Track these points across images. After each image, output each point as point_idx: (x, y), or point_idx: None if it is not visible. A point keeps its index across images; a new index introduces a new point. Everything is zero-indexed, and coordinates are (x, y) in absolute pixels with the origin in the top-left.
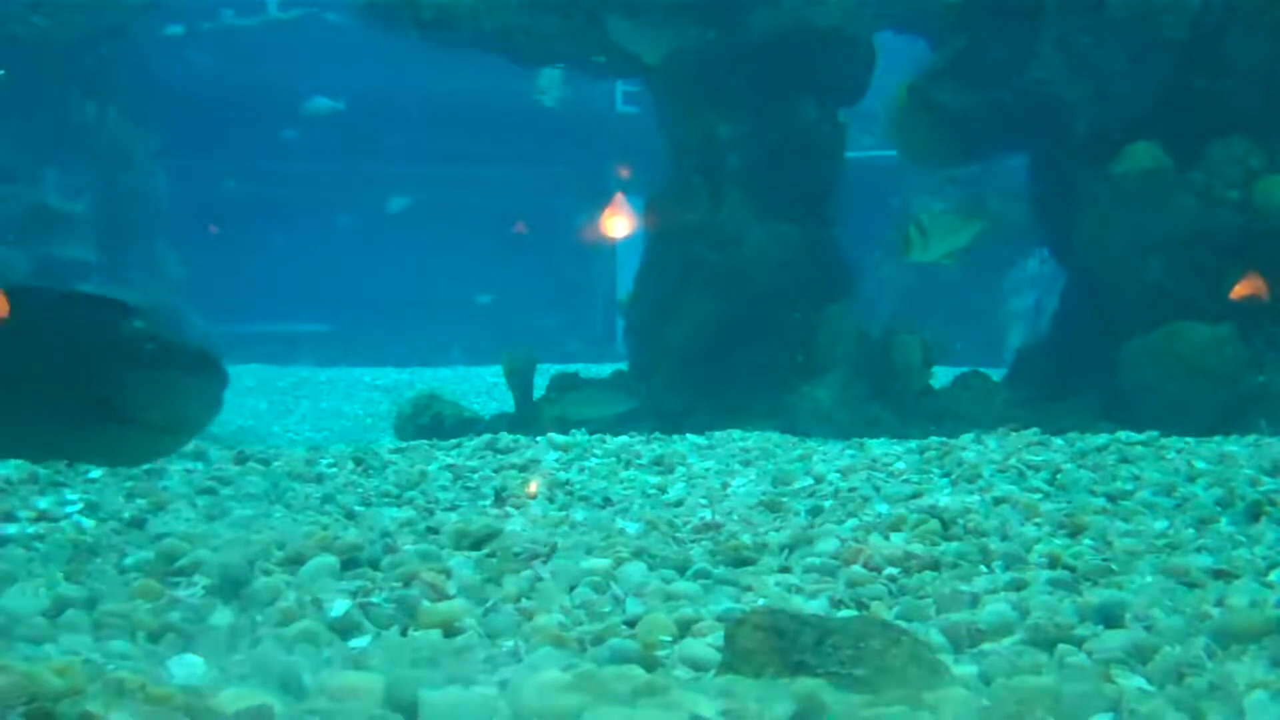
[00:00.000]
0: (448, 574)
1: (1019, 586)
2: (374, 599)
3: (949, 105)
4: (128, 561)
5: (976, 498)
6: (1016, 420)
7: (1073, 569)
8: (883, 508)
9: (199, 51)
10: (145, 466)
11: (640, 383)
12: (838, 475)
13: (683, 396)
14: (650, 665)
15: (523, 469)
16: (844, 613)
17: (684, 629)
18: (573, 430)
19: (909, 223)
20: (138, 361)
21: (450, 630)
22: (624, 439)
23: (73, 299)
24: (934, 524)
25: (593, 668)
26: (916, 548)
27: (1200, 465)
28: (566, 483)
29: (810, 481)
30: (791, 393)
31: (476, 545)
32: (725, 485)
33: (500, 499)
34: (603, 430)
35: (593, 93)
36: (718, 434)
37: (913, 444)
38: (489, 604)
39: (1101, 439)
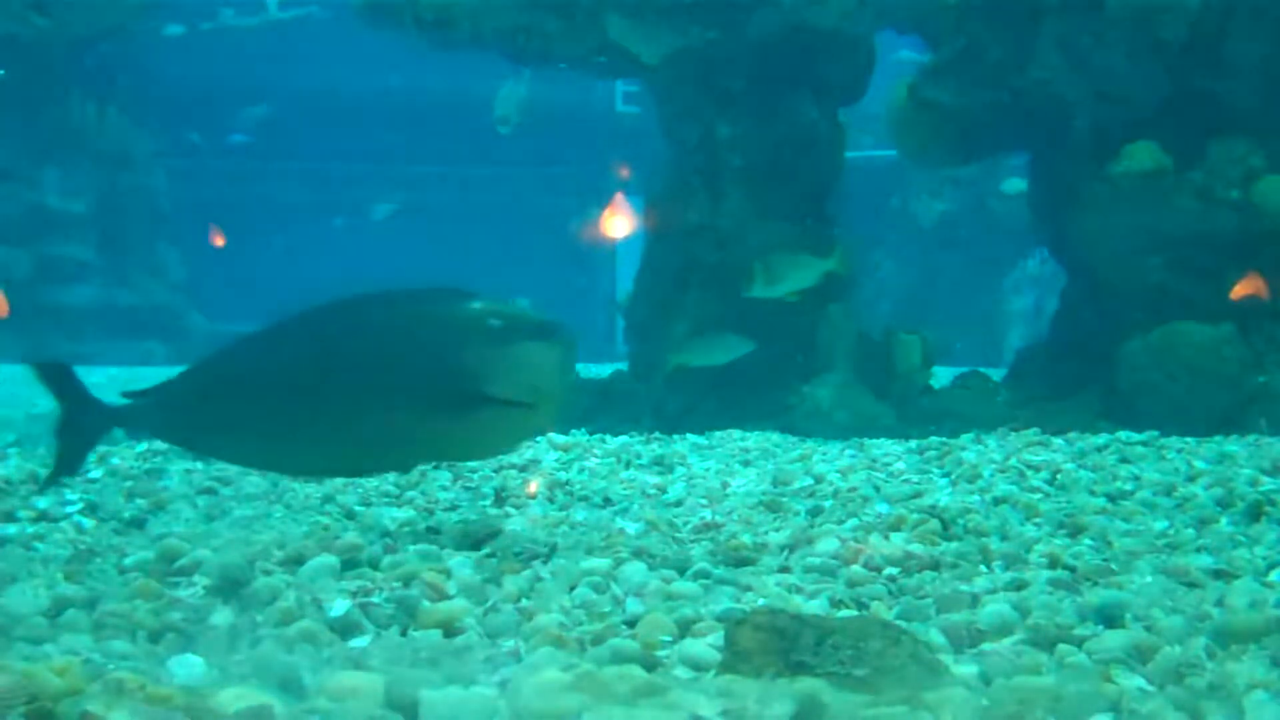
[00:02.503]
0: (448, 574)
1: (1019, 586)
2: (374, 599)
3: (947, 105)
4: (128, 561)
5: (976, 498)
6: (1016, 420)
7: (1073, 569)
8: (883, 508)
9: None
10: (145, 467)
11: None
12: (838, 475)
13: (683, 396)
14: (650, 665)
15: (523, 469)
16: (844, 613)
17: (684, 629)
18: (572, 430)
19: (756, 260)
20: (492, 340)
21: (450, 630)
22: (624, 439)
23: (416, 295)
24: (934, 524)
25: (593, 668)
26: (916, 548)
27: (1200, 465)
28: (566, 483)
29: (810, 481)
30: (791, 393)
31: (476, 545)
32: (725, 485)
33: (500, 499)
34: (603, 430)
35: (558, 96)
36: (718, 434)
37: (913, 444)
38: (489, 604)
39: (1101, 439)
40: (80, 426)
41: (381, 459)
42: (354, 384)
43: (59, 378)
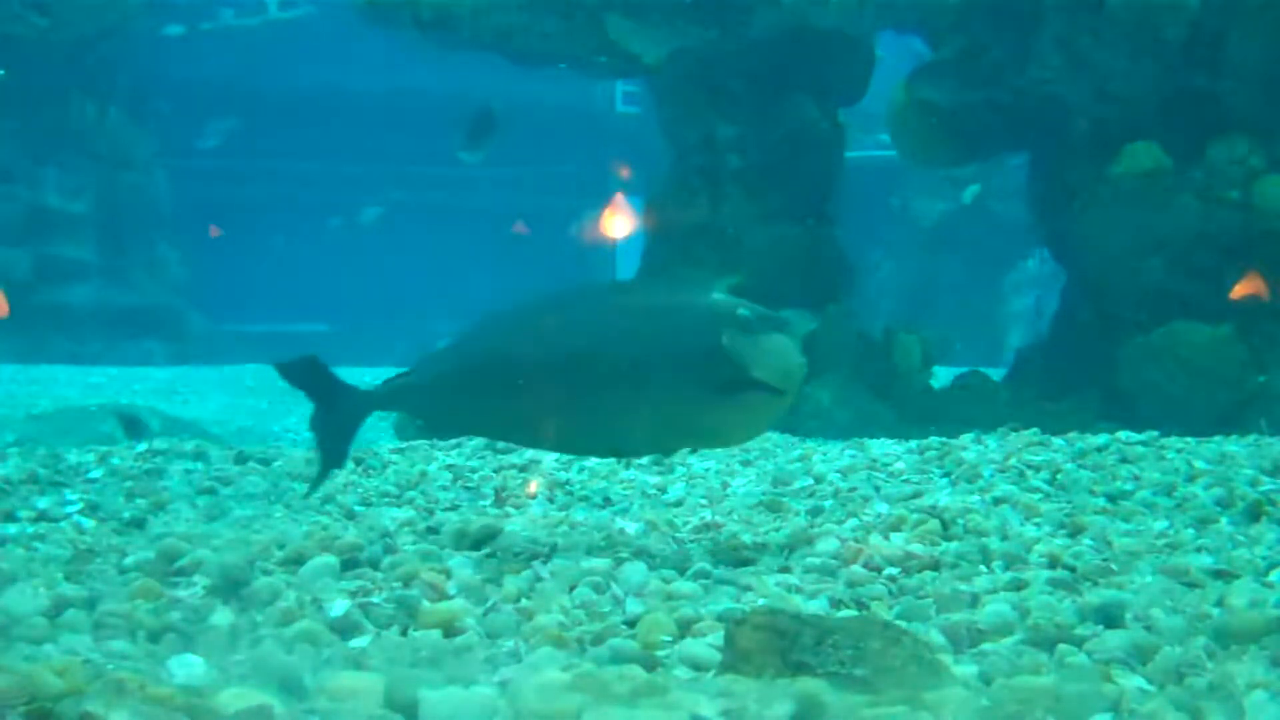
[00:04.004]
0: (448, 574)
1: (1019, 586)
2: (374, 599)
3: (945, 104)
4: (128, 561)
5: (976, 498)
6: (1016, 420)
7: (1073, 569)
8: (883, 508)
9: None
10: (145, 467)
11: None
12: (838, 475)
13: None
14: (650, 665)
15: (523, 469)
16: (844, 613)
17: (684, 629)
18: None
19: None
20: (746, 328)
21: (450, 630)
22: None
23: (664, 284)
24: (934, 524)
25: (593, 668)
26: (916, 548)
27: (1200, 465)
28: (566, 483)
29: (810, 481)
30: None
31: (476, 545)
32: (725, 485)
33: (500, 499)
34: None
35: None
36: None
37: (913, 444)
38: (489, 604)
39: (1101, 439)
40: (339, 416)
41: (646, 441)
42: (621, 365)
43: (308, 372)
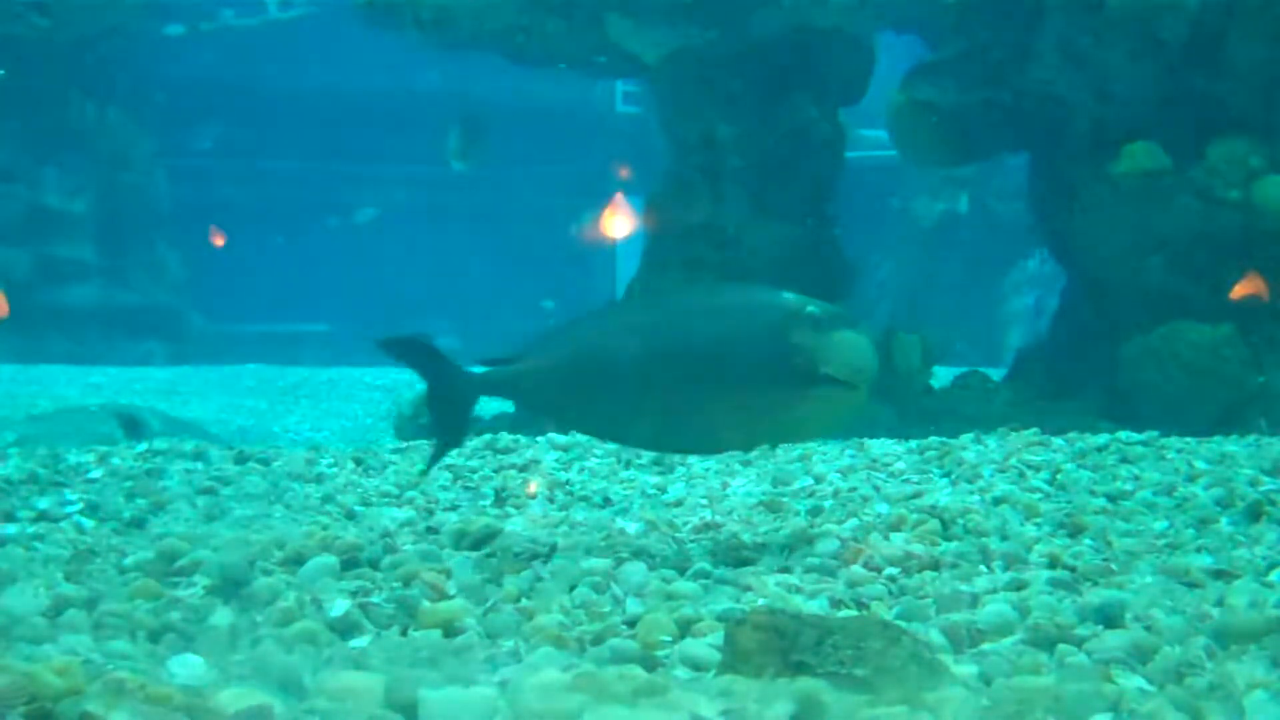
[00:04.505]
0: (448, 574)
1: (1019, 586)
2: (374, 599)
3: (944, 104)
4: (128, 561)
5: (976, 498)
6: (1016, 420)
7: (1073, 569)
8: (883, 508)
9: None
10: (145, 467)
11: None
12: (838, 475)
13: None
14: (650, 665)
15: (523, 469)
16: (844, 613)
17: (684, 629)
18: (572, 430)
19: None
20: (820, 327)
21: (450, 630)
22: None
23: (734, 286)
24: (934, 524)
25: (593, 668)
26: (916, 548)
27: (1200, 465)
28: (566, 483)
29: (810, 481)
30: None
31: (476, 545)
32: (725, 485)
33: (500, 499)
34: None
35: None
36: None
37: (913, 444)
38: (489, 604)
39: (1101, 439)
40: (453, 398)
41: (731, 436)
42: (714, 362)
43: (421, 352)
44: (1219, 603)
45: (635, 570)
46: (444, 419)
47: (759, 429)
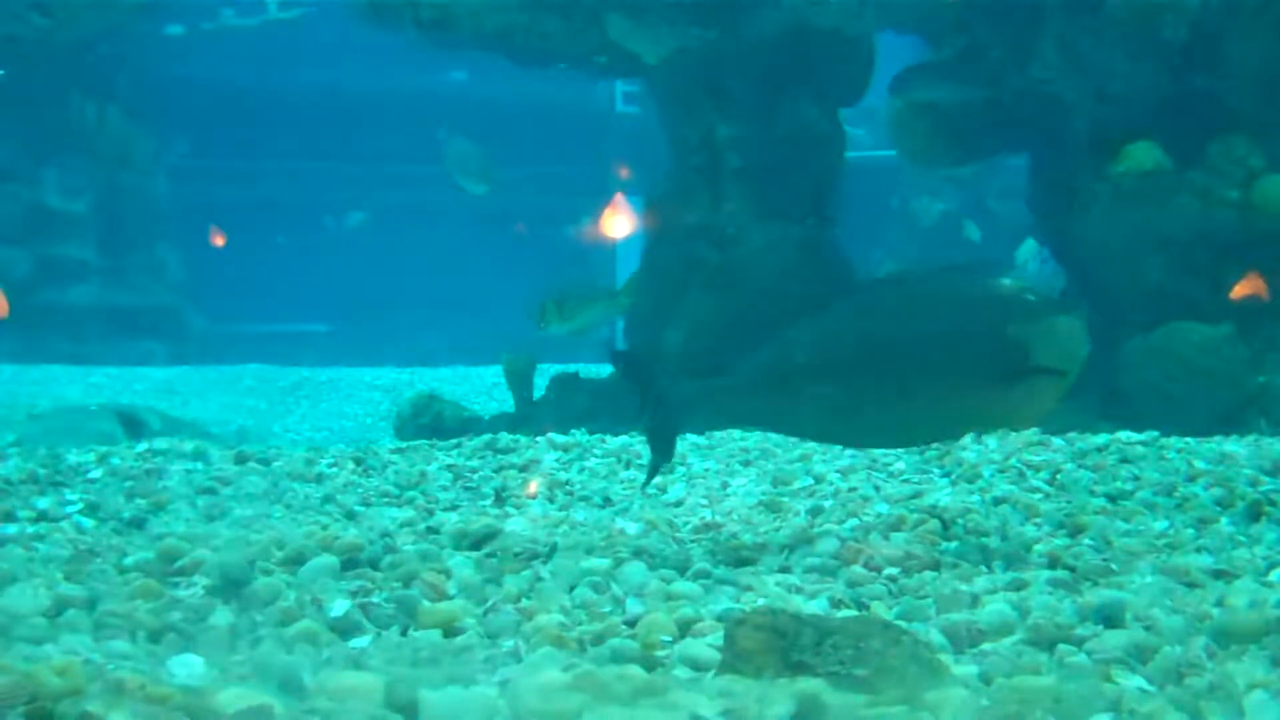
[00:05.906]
0: (448, 574)
1: (1019, 586)
2: (374, 599)
3: (943, 104)
4: (128, 561)
5: (976, 498)
6: None
7: (1073, 569)
8: (883, 508)
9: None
10: (145, 467)
11: None
12: (838, 475)
13: None
14: (650, 665)
15: (523, 469)
16: (844, 613)
17: (684, 629)
18: (572, 430)
19: (549, 297)
20: (1034, 313)
21: (450, 630)
22: (624, 439)
23: (952, 275)
24: (934, 524)
25: (593, 668)
26: (916, 548)
27: (1200, 465)
28: (566, 483)
29: (810, 481)
30: None
31: (476, 545)
32: (725, 485)
33: (500, 499)
34: (603, 430)
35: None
36: (718, 434)
37: None
38: (489, 604)
39: (1101, 439)
40: (666, 412)
41: (941, 428)
42: (925, 357)
43: (637, 366)
44: (1219, 603)
45: (635, 570)
46: (658, 434)
47: (969, 421)
